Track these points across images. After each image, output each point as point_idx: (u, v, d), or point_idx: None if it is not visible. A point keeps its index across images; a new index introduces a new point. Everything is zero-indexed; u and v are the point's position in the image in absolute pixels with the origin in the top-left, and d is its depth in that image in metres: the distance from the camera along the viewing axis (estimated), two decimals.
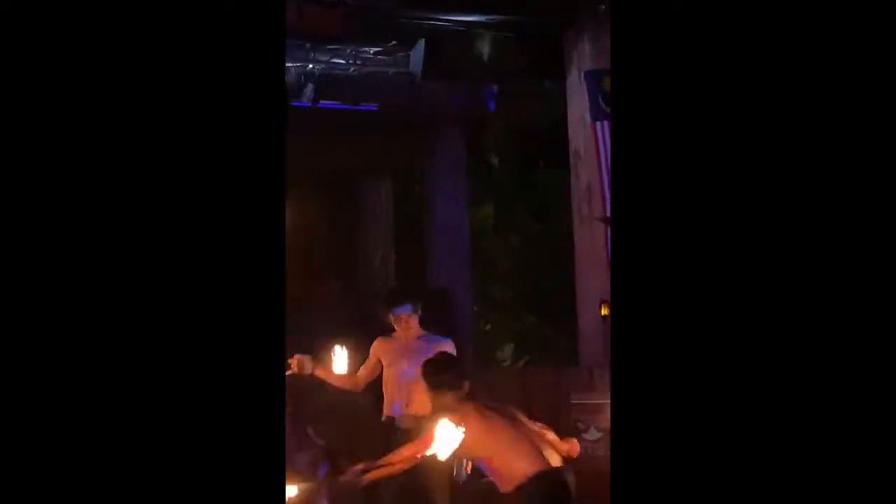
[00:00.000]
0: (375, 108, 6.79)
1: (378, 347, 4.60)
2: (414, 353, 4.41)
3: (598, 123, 6.48)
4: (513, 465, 3.63)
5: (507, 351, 6.70)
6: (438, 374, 3.84)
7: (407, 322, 4.54)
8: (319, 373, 4.49)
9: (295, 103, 6.49)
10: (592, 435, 5.67)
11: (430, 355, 4.27)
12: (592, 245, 6.52)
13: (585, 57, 6.60)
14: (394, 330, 4.63)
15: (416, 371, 4.12)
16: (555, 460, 3.76)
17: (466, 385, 3.87)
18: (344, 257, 7.42)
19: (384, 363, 4.52)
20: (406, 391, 4.41)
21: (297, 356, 4.39)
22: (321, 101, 6.57)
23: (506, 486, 3.69)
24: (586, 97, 6.50)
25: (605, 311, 6.24)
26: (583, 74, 6.55)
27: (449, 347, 4.56)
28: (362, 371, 4.61)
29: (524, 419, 3.87)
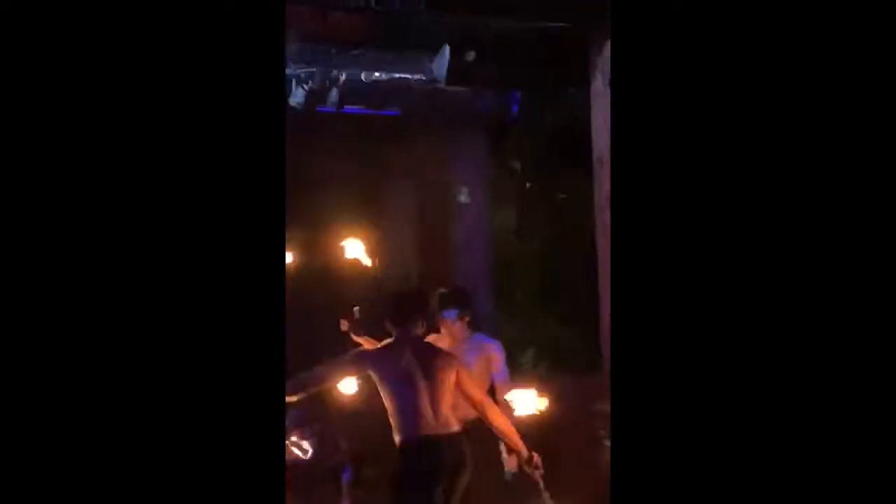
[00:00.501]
0: (398, 114, 6.85)
1: None
2: (462, 356, 4.31)
3: None
4: (406, 420, 3.73)
5: (529, 355, 6.70)
6: (396, 304, 3.97)
7: (452, 326, 4.50)
8: (361, 340, 4.53)
9: (320, 108, 6.59)
10: None
11: (476, 358, 4.37)
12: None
13: (607, 63, 6.59)
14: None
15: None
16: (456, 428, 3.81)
17: (417, 326, 3.97)
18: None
19: None
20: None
21: (350, 316, 4.59)
22: (345, 107, 6.66)
23: (396, 439, 3.80)
24: (608, 103, 6.56)
25: None
26: (607, 81, 6.52)
27: (497, 350, 4.58)
28: None
29: (465, 380, 3.88)
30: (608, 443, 5.57)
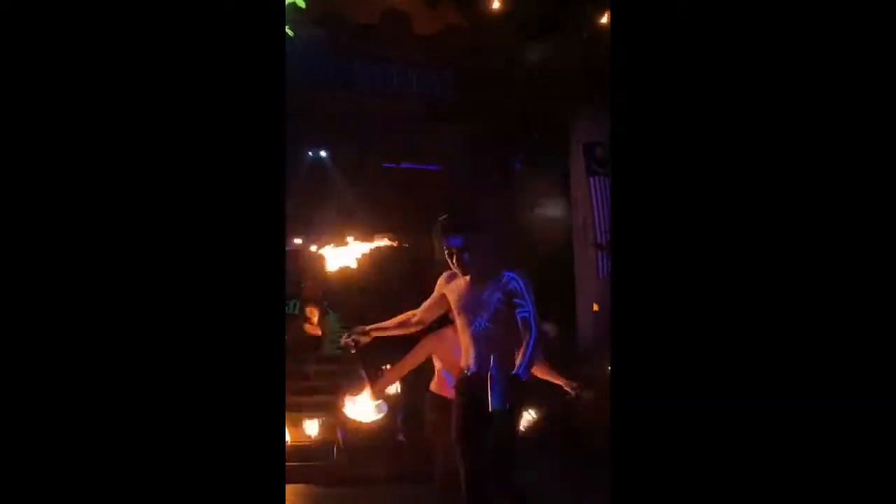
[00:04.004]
0: (439, 168, 9.58)
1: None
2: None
3: (591, 178, 9.02)
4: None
5: None
6: None
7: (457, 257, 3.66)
8: (376, 333, 3.88)
9: (384, 164, 9.39)
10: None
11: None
12: (587, 262, 9.07)
13: (582, 133, 9.16)
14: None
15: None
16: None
17: None
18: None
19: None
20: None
21: (348, 337, 3.86)
22: (402, 163, 9.43)
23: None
24: (583, 160, 9.08)
25: (595, 308, 8.75)
26: (581, 145, 9.10)
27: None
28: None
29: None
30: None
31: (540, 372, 4.21)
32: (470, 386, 3.57)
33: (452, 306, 3.72)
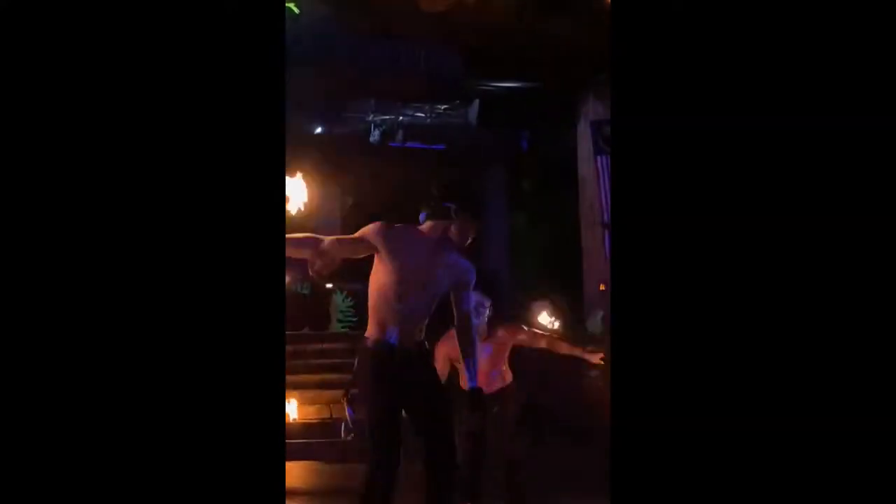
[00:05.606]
0: (444, 147, 9.68)
1: None
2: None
3: (599, 157, 9.06)
4: None
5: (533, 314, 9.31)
6: None
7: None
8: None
9: (391, 143, 9.45)
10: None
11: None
12: (594, 242, 9.17)
13: (590, 111, 9.28)
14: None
15: None
16: None
17: None
18: None
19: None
20: None
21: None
22: (408, 142, 9.49)
23: None
24: (590, 139, 9.19)
25: (602, 287, 8.91)
26: (588, 123, 9.23)
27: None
28: None
29: None
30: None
31: (560, 348, 4.13)
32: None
33: (392, 265, 2.96)
